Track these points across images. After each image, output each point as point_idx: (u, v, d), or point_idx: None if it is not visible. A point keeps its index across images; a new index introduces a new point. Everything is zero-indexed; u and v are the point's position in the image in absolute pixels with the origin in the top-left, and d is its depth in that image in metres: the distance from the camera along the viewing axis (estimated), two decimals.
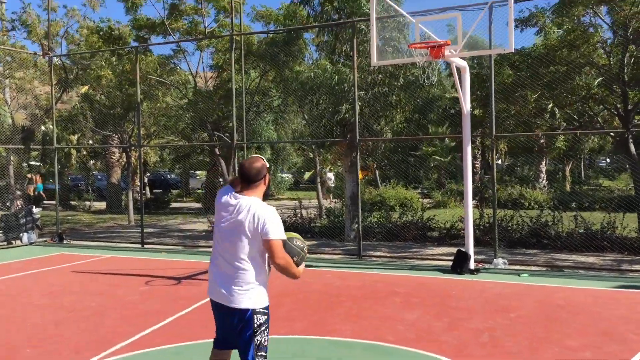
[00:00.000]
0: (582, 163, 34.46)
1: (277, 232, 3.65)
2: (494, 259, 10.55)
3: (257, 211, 3.67)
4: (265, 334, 3.75)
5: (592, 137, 26.71)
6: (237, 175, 3.87)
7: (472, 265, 9.96)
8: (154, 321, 7.02)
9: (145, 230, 15.08)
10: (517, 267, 10.62)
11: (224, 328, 3.86)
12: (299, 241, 3.84)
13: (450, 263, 10.22)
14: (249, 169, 3.78)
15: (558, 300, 7.89)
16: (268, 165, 3.91)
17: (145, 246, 14.19)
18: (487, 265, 10.47)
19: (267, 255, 3.73)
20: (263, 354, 3.73)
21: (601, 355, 5.58)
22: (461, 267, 9.86)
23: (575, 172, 33.34)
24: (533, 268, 10.57)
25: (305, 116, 16.28)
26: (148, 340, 6.29)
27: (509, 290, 8.57)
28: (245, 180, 3.78)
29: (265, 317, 3.75)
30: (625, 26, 11.83)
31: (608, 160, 41.25)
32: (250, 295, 3.69)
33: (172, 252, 13.22)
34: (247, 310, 3.67)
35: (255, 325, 3.69)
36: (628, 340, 6.02)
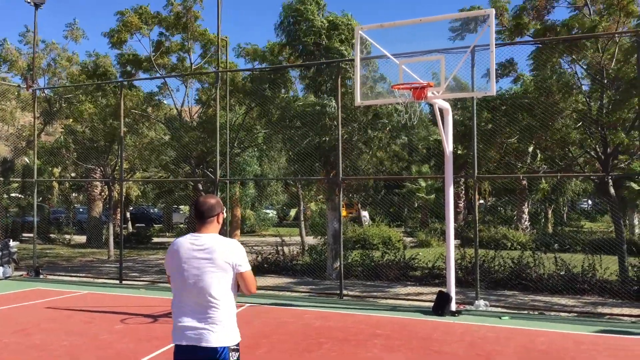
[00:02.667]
0: (564, 205, 34.76)
1: (247, 263, 3.73)
2: (476, 301, 10.48)
3: (222, 246, 3.69)
4: (237, 350, 3.69)
5: (574, 179, 26.99)
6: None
7: (453, 306, 9.87)
8: None
9: (124, 265, 14.83)
10: (499, 309, 10.56)
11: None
12: None
13: (432, 304, 10.13)
14: (202, 205, 3.84)
15: (540, 345, 7.82)
16: (222, 209, 3.93)
17: (124, 282, 13.93)
18: (468, 307, 10.39)
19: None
20: None
21: None
22: (442, 308, 9.77)
23: (557, 213, 33.58)
24: (514, 310, 10.51)
25: (290, 153, 16.30)
26: None
27: (491, 334, 8.48)
28: (199, 217, 3.83)
29: (238, 354, 3.68)
30: (601, 72, 12.08)
31: (590, 202, 41.67)
32: (225, 332, 3.61)
33: (150, 289, 12.98)
34: (223, 348, 3.57)
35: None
36: None
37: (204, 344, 3.57)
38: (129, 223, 34.20)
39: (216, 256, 3.63)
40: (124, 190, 30.27)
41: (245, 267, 3.69)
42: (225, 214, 4.05)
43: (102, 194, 25.69)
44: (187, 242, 3.75)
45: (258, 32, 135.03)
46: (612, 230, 23.32)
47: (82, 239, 27.03)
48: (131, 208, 37.30)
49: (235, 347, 3.65)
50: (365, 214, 31.44)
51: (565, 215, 35.11)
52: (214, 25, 14.10)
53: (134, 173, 23.87)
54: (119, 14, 18.79)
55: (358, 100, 9.80)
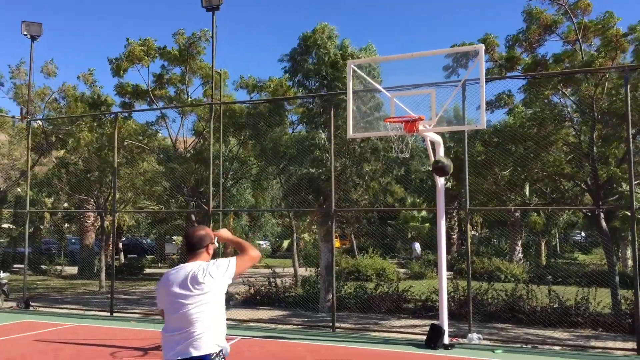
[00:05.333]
0: (557, 237, 34.82)
1: (230, 261, 3.84)
2: (469, 334, 10.43)
3: (205, 266, 3.80)
4: None
5: (567, 211, 27.11)
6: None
7: (446, 340, 9.81)
8: None
9: (116, 297, 14.70)
10: (492, 342, 10.50)
11: None
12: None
13: (425, 337, 10.07)
14: (191, 237, 3.97)
15: None
16: (212, 240, 4.02)
17: (115, 314, 13.79)
18: (461, 340, 10.33)
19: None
20: None
21: None
22: (435, 342, 9.71)
23: (550, 245, 33.61)
24: (507, 344, 10.45)
25: (282, 183, 16.34)
26: None
27: None
28: (189, 248, 3.96)
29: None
30: (592, 105, 12.27)
31: (583, 234, 41.76)
32: (206, 342, 3.70)
33: (141, 321, 12.86)
34: (205, 355, 3.68)
35: None
36: None
37: (186, 355, 3.69)
38: (121, 254, 33.96)
39: (202, 279, 3.74)
40: (117, 220, 30.20)
41: (233, 258, 3.84)
42: (216, 245, 4.11)
43: (95, 224, 25.57)
44: (173, 274, 3.87)
45: (264, 66, 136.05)
46: (604, 264, 23.40)
47: (74, 270, 26.79)
48: (123, 239, 37.08)
49: (219, 353, 3.73)
50: (417, 245, 30.07)
51: (558, 247, 35.15)
52: (218, 58, 14.27)
53: (127, 204, 23.81)
54: (128, 43, 18.97)
55: (350, 133, 9.90)
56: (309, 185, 14.56)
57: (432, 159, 9.97)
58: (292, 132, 16.11)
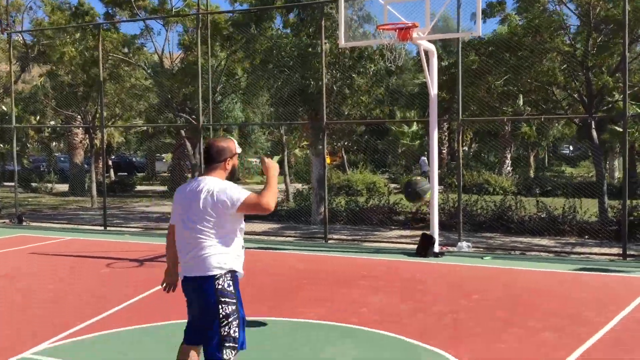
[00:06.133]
0: (546, 150, 35.09)
1: (243, 193, 3.54)
2: (458, 242, 10.63)
3: (215, 188, 3.58)
4: (232, 304, 3.56)
5: (557, 124, 27.12)
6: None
7: (436, 248, 10.00)
8: (114, 304, 6.86)
9: (108, 213, 14.78)
10: (481, 250, 10.74)
11: (191, 309, 3.74)
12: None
13: (415, 246, 10.26)
14: (210, 147, 3.74)
15: (521, 283, 7.99)
16: (237, 151, 3.78)
17: (108, 228, 13.91)
18: (451, 249, 10.55)
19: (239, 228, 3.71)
20: (230, 322, 3.56)
21: (562, 336, 5.64)
22: (426, 250, 9.90)
23: (539, 159, 33.89)
24: (496, 251, 10.70)
25: (273, 98, 16.07)
26: (106, 323, 6.14)
27: (473, 274, 8.64)
28: (206, 160, 3.74)
29: (229, 281, 3.58)
30: (589, 13, 11.96)
31: (571, 148, 42.08)
32: (212, 263, 3.56)
33: (135, 235, 12.98)
34: (209, 276, 3.54)
35: (218, 288, 3.54)
36: (589, 321, 6.11)
37: (193, 274, 3.60)
38: (111, 171, 33.91)
39: (210, 198, 3.55)
40: (105, 137, 29.92)
41: (244, 196, 3.52)
42: (236, 161, 3.82)
43: (83, 141, 25.33)
44: (186, 187, 3.73)
45: None
46: (593, 175, 23.71)
47: (65, 187, 26.81)
48: (113, 156, 36.95)
49: (223, 275, 3.56)
50: (424, 159, 28.05)
51: (546, 160, 35.49)
52: None
53: (115, 120, 23.49)
54: None
55: (342, 42, 9.63)
56: (299, 97, 14.33)
57: (425, 68, 9.78)
58: (283, 37, 15.57)
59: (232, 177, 3.77)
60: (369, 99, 14.93)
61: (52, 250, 10.83)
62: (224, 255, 3.59)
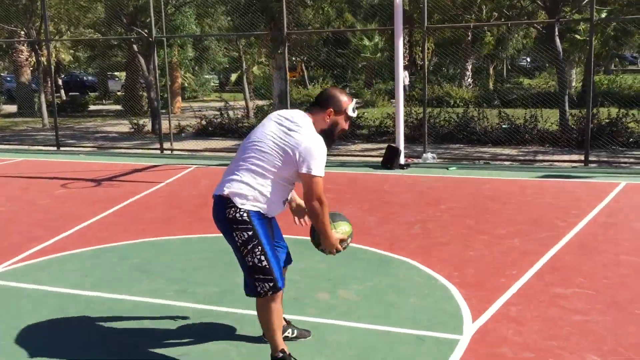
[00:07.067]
0: (505, 62, 35.00)
1: (319, 168, 3.05)
2: (424, 154, 10.55)
3: (302, 134, 3.07)
4: (249, 229, 3.11)
5: (516, 34, 26.87)
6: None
7: (402, 160, 9.91)
8: (70, 225, 6.57)
9: (61, 133, 14.16)
10: (446, 160, 10.71)
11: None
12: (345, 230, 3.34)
13: (380, 159, 10.14)
14: (321, 92, 3.28)
15: (487, 191, 7.99)
16: (350, 113, 3.23)
17: (62, 149, 13.36)
18: (416, 160, 10.47)
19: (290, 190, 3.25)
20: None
21: (529, 241, 5.66)
22: (392, 162, 9.79)
23: (497, 70, 33.86)
24: (460, 161, 10.68)
25: (229, 6, 15.28)
26: (63, 245, 5.88)
27: (439, 184, 8.60)
28: (313, 102, 3.28)
29: (246, 216, 3.11)
30: None
31: (528, 59, 42.09)
32: (240, 192, 3.10)
33: (91, 155, 12.51)
34: (229, 200, 3.10)
35: (229, 217, 3.10)
36: (555, 226, 6.14)
37: (217, 193, 3.19)
38: (62, 91, 32.48)
39: (288, 137, 3.08)
40: (53, 55, 28.40)
41: (314, 171, 3.03)
42: (344, 124, 3.23)
43: (30, 59, 23.98)
44: (275, 114, 3.25)
45: None
46: (551, 86, 23.80)
47: (13, 108, 25.62)
48: (63, 76, 35.31)
49: (240, 208, 3.09)
50: (405, 73, 27.45)
51: (505, 72, 35.49)
52: None
53: (61, 35, 22.18)
54: None
55: None
56: (257, 6, 13.65)
57: None
58: None
59: (329, 137, 3.20)
60: (330, 7, 14.34)
61: (2, 172, 10.32)
62: (256, 193, 3.12)
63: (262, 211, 3.16)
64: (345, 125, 3.27)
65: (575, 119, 12.78)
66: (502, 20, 13.62)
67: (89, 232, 6.32)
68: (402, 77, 9.63)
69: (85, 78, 38.06)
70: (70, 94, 32.87)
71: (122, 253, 5.58)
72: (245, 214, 3.10)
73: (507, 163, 10.51)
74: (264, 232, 3.15)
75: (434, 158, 10.47)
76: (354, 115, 3.27)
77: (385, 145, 10.51)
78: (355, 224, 6.37)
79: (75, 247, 5.78)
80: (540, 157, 11.13)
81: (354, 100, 3.32)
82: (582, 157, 9.81)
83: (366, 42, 30.42)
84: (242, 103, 20.88)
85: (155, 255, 5.52)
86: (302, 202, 3.47)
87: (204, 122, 16.39)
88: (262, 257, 3.11)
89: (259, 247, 3.11)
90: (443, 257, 5.30)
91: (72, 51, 30.96)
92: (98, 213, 7.05)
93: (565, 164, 10.10)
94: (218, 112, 16.81)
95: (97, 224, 6.66)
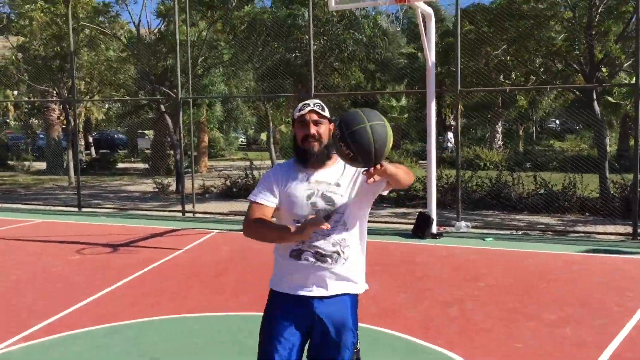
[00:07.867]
0: (534, 124, 34.59)
1: (253, 192, 2.87)
2: (457, 222, 9.97)
3: None
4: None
5: (547, 97, 26.48)
6: None
7: (434, 229, 9.34)
8: (80, 297, 6.11)
9: (85, 192, 13.95)
10: (480, 230, 10.09)
11: None
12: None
13: (411, 226, 9.59)
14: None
15: (529, 266, 7.35)
16: (295, 114, 2.82)
17: (83, 209, 13.10)
18: (449, 229, 9.88)
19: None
20: None
21: (583, 330, 5.01)
22: (423, 231, 9.22)
23: (528, 133, 33.42)
24: (496, 230, 10.06)
25: (258, 70, 15.22)
26: (69, 322, 5.41)
27: (475, 256, 7.99)
28: None
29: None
30: None
31: (557, 122, 41.60)
32: None
33: (111, 216, 12.20)
34: None
35: None
36: (610, 312, 5.49)
37: None
38: (92, 149, 32.85)
39: None
40: (83, 114, 28.82)
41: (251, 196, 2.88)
42: (298, 132, 2.80)
43: (61, 117, 24.30)
44: None
45: None
46: (582, 149, 23.15)
47: (43, 165, 25.81)
48: (94, 133, 35.84)
49: None
50: (450, 136, 26.88)
51: (534, 135, 35.01)
52: None
53: (92, 95, 22.46)
54: None
55: (332, 5, 8.80)
56: (285, 70, 13.52)
57: (423, 36, 9.00)
58: (264, 12, 14.69)
59: (295, 150, 2.84)
60: (359, 70, 14.16)
61: (20, 234, 10.01)
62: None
63: (270, 284, 2.94)
64: (299, 131, 2.78)
65: (617, 186, 12.13)
66: (538, 83, 13.17)
67: (98, 307, 5.85)
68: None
69: (115, 136, 38.60)
70: (100, 151, 33.24)
71: (128, 335, 5.08)
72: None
73: (549, 234, 9.85)
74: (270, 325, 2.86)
75: (467, 227, 9.87)
76: (298, 113, 2.77)
77: (416, 210, 9.98)
78: (386, 302, 5.84)
79: (82, 324, 5.31)
80: (580, 227, 10.45)
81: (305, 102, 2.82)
82: (631, 230, 9.11)
83: (394, 102, 30.33)
84: (268, 162, 20.64)
85: (163, 340, 5.00)
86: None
87: (228, 183, 16.09)
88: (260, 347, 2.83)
89: (260, 336, 2.86)
90: (486, 348, 4.68)
91: (104, 110, 31.47)
92: (111, 283, 6.59)
93: (612, 237, 9.40)
94: (243, 173, 16.53)
95: (109, 295, 6.19)
